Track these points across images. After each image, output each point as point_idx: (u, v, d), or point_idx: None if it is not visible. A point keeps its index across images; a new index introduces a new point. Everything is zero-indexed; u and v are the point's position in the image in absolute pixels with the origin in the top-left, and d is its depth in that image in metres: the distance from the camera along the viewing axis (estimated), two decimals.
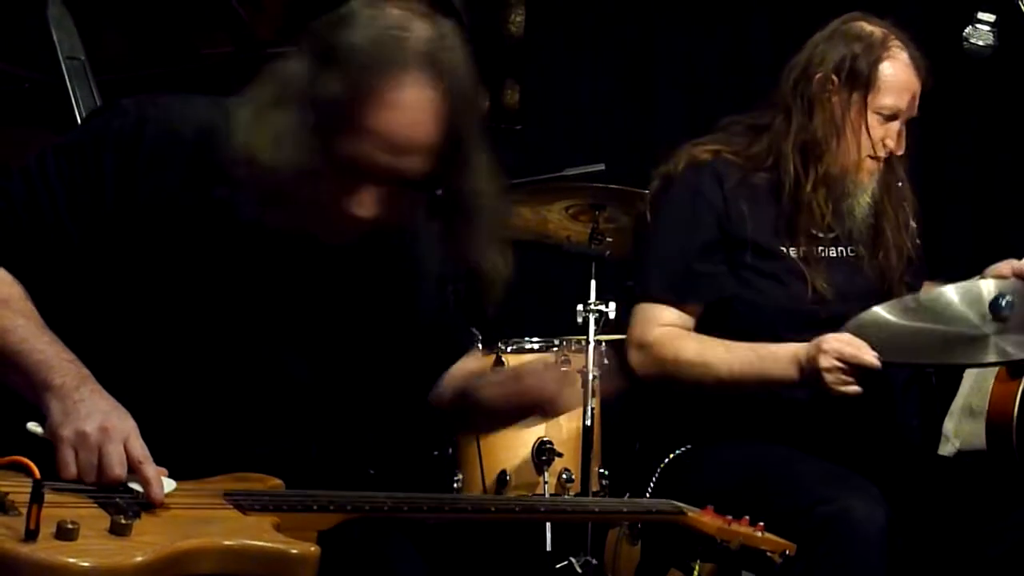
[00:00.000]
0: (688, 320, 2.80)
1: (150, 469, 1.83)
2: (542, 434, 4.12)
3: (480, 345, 4.15)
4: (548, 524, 4.02)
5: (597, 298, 4.08)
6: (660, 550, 2.89)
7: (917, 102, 2.88)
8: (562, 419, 4.14)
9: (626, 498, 3.39)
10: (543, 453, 4.08)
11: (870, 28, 2.88)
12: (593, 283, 4.11)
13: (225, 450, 1.99)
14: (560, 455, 4.09)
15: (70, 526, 1.66)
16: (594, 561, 3.94)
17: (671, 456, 2.81)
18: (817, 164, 2.84)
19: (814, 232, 2.84)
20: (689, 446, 2.81)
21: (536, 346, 4.21)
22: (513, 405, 2.16)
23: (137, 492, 1.83)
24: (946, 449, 3.23)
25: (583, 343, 4.07)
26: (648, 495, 2.81)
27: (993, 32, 2.88)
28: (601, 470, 4.15)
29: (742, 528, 2.30)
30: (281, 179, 1.89)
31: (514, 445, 4.13)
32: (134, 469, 1.83)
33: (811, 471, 2.60)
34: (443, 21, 1.97)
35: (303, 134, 1.88)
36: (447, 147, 1.92)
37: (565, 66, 5.40)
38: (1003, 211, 5.41)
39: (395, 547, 2.04)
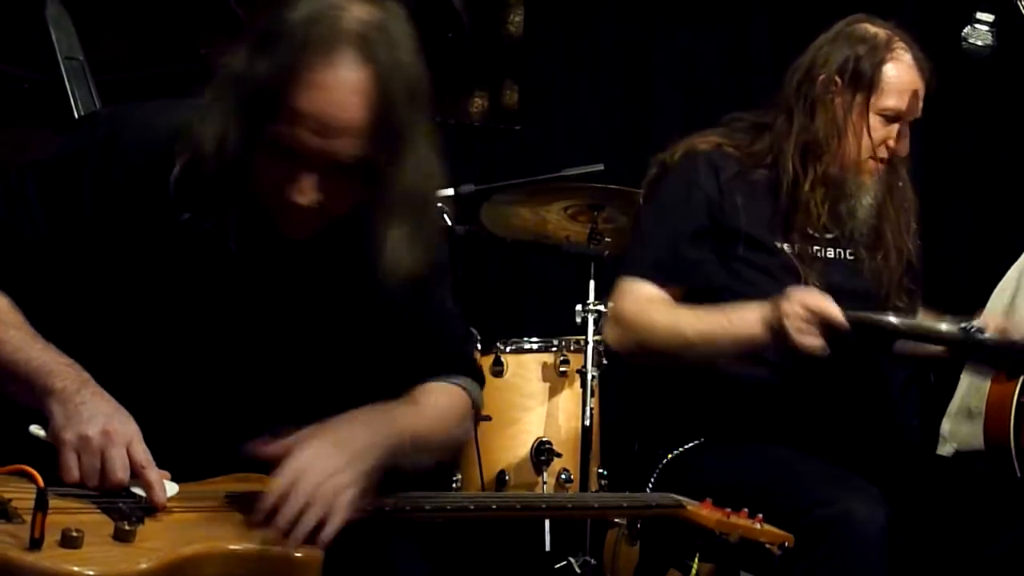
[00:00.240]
0: (667, 299, 2.78)
1: (153, 473, 1.83)
2: (541, 434, 4.13)
3: (479, 345, 4.16)
4: (547, 524, 4.02)
5: (596, 298, 4.09)
6: (659, 550, 2.89)
7: (921, 104, 2.87)
8: (561, 419, 4.15)
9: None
10: (542, 453, 4.09)
11: (874, 30, 2.88)
12: (592, 283, 4.12)
13: (214, 452, 1.97)
14: (559, 455, 4.10)
15: (74, 534, 1.66)
16: (593, 561, 3.95)
17: (670, 456, 2.80)
18: (816, 164, 2.84)
19: (810, 232, 2.84)
20: (688, 446, 2.81)
21: (535, 346, 4.21)
22: None
23: (140, 496, 1.83)
24: (944, 450, 3.23)
25: (582, 343, 4.08)
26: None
27: (992, 32, 2.87)
28: (600, 470, 4.15)
29: (741, 520, 2.29)
30: (225, 170, 1.89)
31: (513, 445, 4.14)
32: (137, 473, 1.83)
33: (811, 472, 2.59)
34: (389, 5, 1.95)
35: (239, 121, 1.87)
36: (380, 130, 1.89)
37: (564, 66, 5.40)
38: (1002, 211, 5.41)
39: (398, 548, 2.04)
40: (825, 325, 2.55)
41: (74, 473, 1.80)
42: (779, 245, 2.81)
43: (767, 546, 2.30)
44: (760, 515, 2.32)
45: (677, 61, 5.49)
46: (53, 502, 1.66)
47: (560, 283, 4.62)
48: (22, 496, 1.70)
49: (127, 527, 1.72)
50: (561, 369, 4.15)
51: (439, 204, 2.10)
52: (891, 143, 2.85)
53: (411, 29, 1.96)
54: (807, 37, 3.00)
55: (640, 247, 2.87)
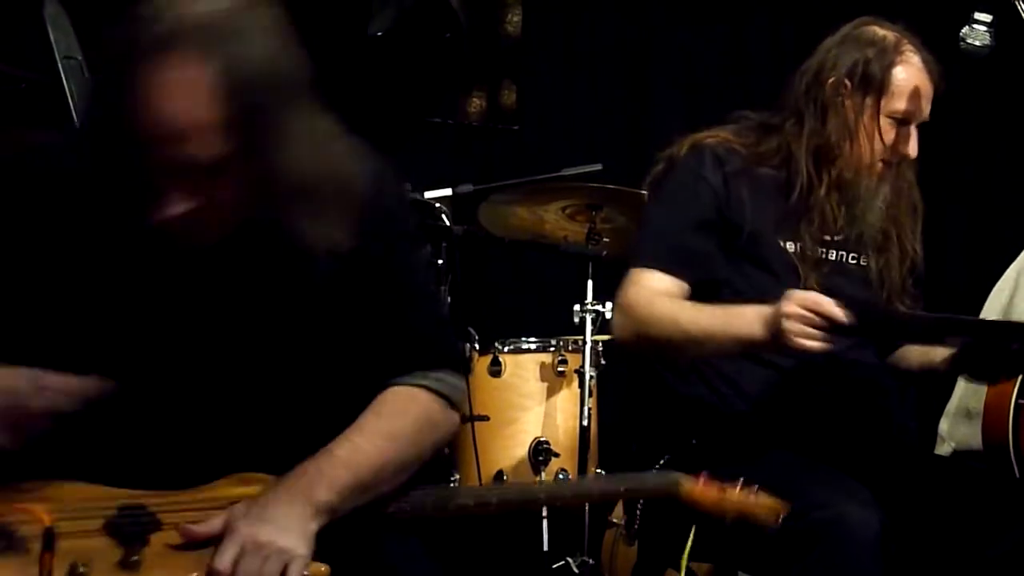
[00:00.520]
0: (677, 288, 2.77)
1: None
2: (539, 434, 4.13)
3: (477, 345, 4.16)
4: (545, 524, 4.02)
5: (594, 298, 4.09)
6: (657, 550, 2.89)
7: (929, 106, 2.87)
8: (559, 419, 4.15)
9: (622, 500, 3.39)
10: (540, 453, 4.09)
11: (882, 32, 2.87)
12: (590, 283, 4.12)
13: (186, 459, 1.94)
14: (557, 455, 4.10)
15: (81, 570, 1.68)
16: (591, 561, 3.95)
17: (667, 457, 2.80)
18: (830, 168, 2.83)
19: (819, 233, 2.83)
20: (684, 448, 2.81)
21: (533, 346, 4.21)
22: None
23: (141, 507, 1.83)
24: (942, 449, 3.24)
25: (580, 343, 4.08)
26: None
27: (990, 32, 2.87)
28: (597, 470, 4.15)
29: (736, 496, 2.26)
30: (103, 187, 1.83)
31: (511, 445, 4.14)
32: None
33: (805, 475, 2.59)
34: None
35: (105, 140, 1.82)
36: (237, 124, 1.79)
37: (562, 66, 5.40)
38: (1000, 211, 5.42)
39: (403, 547, 2.04)
40: (826, 324, 2.53)
41: None
42: (783, 244, 2.81)
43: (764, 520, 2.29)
44: (756, 485, 2.29)
45: (676, 61, 5.49)
46: (59, 525, 1.66)
47: (558, 283, 4.62)
48: (27, 521, 1.71)
49: (134, 557, 1.73)
50: (559, 369, 4.15)
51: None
52: (901, 146, 2.84)
53: (273, 13, 1.88)
54: (806, 37, 3.00)
55: (647, 238, 2.86)
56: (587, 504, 4.02)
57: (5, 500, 1.74)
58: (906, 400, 3.02)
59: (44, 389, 1.80)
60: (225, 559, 1.80)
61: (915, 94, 2.83)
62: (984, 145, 5.56)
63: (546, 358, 4.19)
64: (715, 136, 2.88)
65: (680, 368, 2.84)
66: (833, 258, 2.86)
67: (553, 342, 4.21)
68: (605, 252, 4.19)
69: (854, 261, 2.88)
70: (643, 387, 2.95)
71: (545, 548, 4.06)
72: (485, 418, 4.12)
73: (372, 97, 4.07)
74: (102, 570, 1.69)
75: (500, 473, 4.10)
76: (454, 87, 5.15)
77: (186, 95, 1.76)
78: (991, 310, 3.20)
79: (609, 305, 4.01)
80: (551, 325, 4.31)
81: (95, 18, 3.28)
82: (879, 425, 2.87)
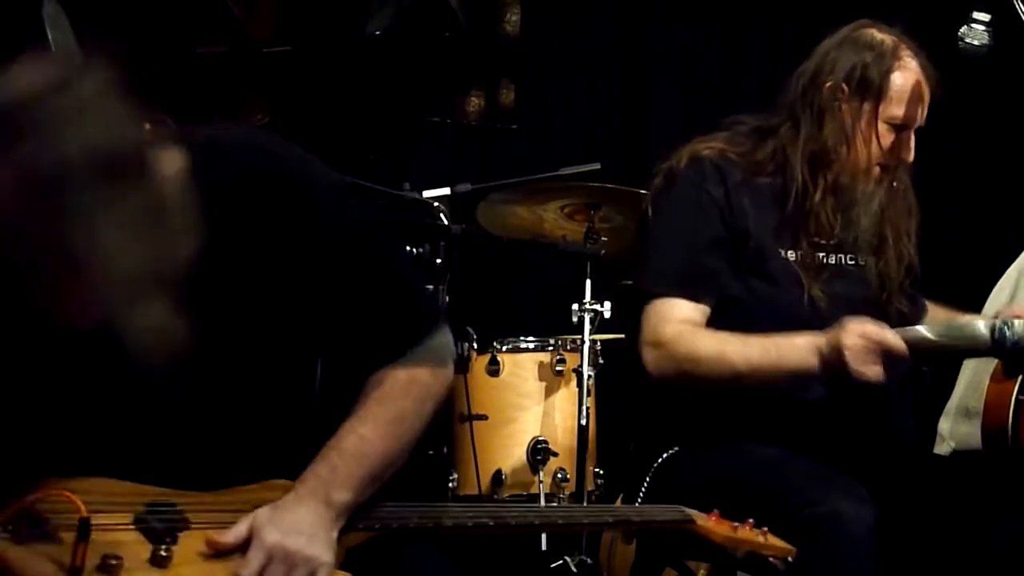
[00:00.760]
0: (703, 314, 2.75)
1: None
2: (537, 433, 4.13)
3: (475, 344, 4.16)
4: None
5: (592, 297, 4.09)
6: (655, 550, 2.89)
7: (927, 111, 2.86)
8: (557, 418, 4.16)
9: (620, 497, 3.39)
10: (538, 452, 4.09)
11: (880, 36, 2.85)
12: (588, 282, 4.11)
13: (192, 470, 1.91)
14: (555, 454, 4.10)
15: (112, 561, 1.69)
16: (589, 560, 3.95)
17: (665, 456, 2.80)
18: (826, 173, 2.82)
19: (816, 239, 2.82)
20: (682, 446, 2.81)
21: (531, 345, 4.22)
22: None
23: (171, 505, 1.83)
24: (942, 449, 3.23)
25: (578, 342, 4.08)
26: (642, 495, 2.81)
27: (988, 31, 2.87)
28: (596, 469, 4.16)
29: (747, 535, 2.30)
30: None
31: (509, 444, 4.14)
32: None
33: (800, 473, 2.59)
34: (71, 63, 1.72)
35: None
36: (44, 221, 1.62)
37: (561, 66, 5.40)
38: (999, 210, 5.42)
39: (418, 551, 2.04)
40: (886, 354, 2.55)
41: None
42: (783, 253, 2.80)
43: (771, 559, 2.31)
44: (765, 527, 2.32)
45: (674, 60, 5.49)
46: (91, 517, 1.68)
47: (557, 282, 4.62)
48: (59, 511, 1.70)
49: (163, 552, 1.74)
50: (557, 368, 4.15)
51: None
52: (898, 151, 2.84)
53: (99, 83, 1.70)
54: (805, 37, 3.00)
55: (659, 261, 2.81)
56: (585, 504, 4.03)
57: (40, 488, 1.74)
58: (904, 398, 3.02)
59: None
60: (253, 567, 1.83)
61: (912, 100, 2.81)
62: (983, 144, 5.56)
63: (544, 357, 4.19)
64: (712, 147, 2.86)
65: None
66: (832, 261, 2.85)
67: (551, 341, 4.21)
68: (603, 251, 4.19)
69: (852, 262, 2.87)
70: (641, 386, 2.95)
71: (543, 547, 4.06)
72: (484, 417, 4.12)
73: (370, 96, 4.07)
74: (133, 565, 1.70)
75: (499, 472, 4.11)
76: (453, 86, 5.15)
77: None
78: (992, 310, 3.20)
79: (608, 304, 4.01)
80: (549, 324, 4.31)
81: (94, 18, 3.28)
82: (877, 423, 2.88)
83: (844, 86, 2.82)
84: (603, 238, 4.24)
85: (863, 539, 2.43)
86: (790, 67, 2.96)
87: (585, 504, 4.00)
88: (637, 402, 2.99)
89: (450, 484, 4.12)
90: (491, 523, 2.14)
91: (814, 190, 2.81)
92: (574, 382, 4.08)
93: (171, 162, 1.84)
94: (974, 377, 3.11)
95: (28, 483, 1.74)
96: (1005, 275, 3.29)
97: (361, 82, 4.05)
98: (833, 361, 2.57)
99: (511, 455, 4.14)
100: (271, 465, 1.96)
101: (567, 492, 4.13)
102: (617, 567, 3.87)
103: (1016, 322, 2.63)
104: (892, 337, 2.55)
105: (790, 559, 2.31)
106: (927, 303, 3.05)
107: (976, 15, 2.87)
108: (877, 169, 2.85)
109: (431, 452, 4.07)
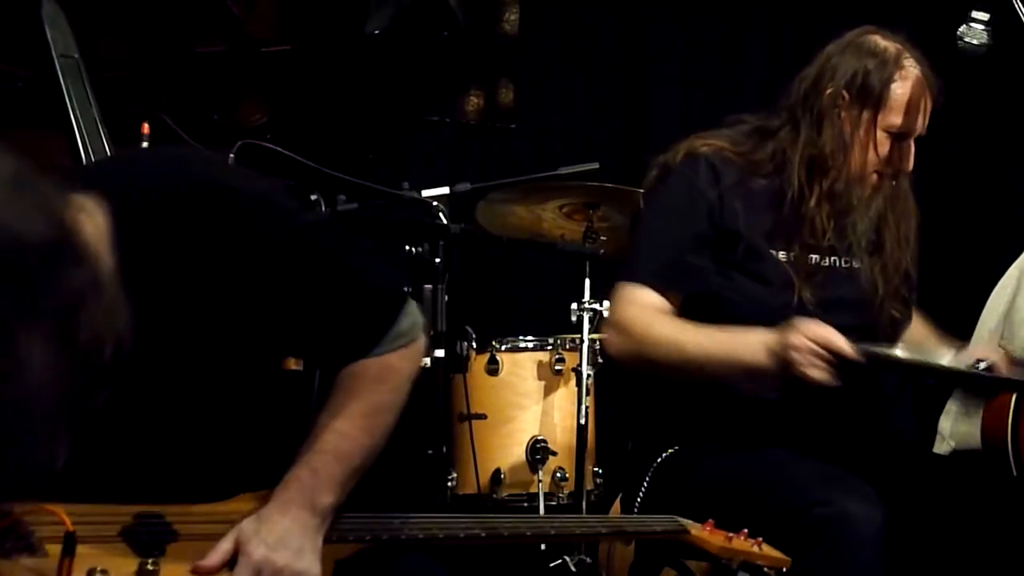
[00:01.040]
0: (668, 307, 2.76)
1: None
2: (536, 433, 4.14)
3: (474, 344, 4.16)
4: None
5: (591, 296, 4.10)
6: (654, 549, 2.88)
7: (928, 120, 2.85)
8: (556, 418, 4.16)
9: (619, 498, 3.39)
10: (537, 452, 4.10)
11: (884, 43, 2.84)
12: (587, 282, 4.12)
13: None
14: (554, 454, 4.11)
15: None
16: (588, 560, 3.95)
17: (664, 455, 2.80)
18: (823, 179, 2.81)
19: (810, 242, 2.82)
20: (682, 446, 2.80)
21: (530, 345, 4.22)
22: None
23: (158, 516, 1.82)
24: (941, 448, 3.23)
25: (577, 341, 4.08)
26: (641, 495, 2.81)
27: (987, 31, 2.87)
28: (595, 469, 4.16)
29: (742, 545, 2.31)
30: None
31: (508, 444, 4.15)
32: None
33: (807, 473, 2.59)
34: None
35: None
36: None
37: (559, 65, 5.40)
38: (999, 210, 5.42)
39: (411, 560, 2.04)
40: (835, 358, 2.55)
41: None
42: (775, 254, 2.79)
43: (765, 569, 2.32)
44: (760, 538, 2.32)
45: (673, 60, 5.49)
46: (76, 530, 1.66)
47: (555, 282, 4.63)
48: (44, 525, 1.69)
49: (150, 566, 1.73)
50: (556, 368, 4.15)
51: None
52: (896, 160, 2.83)
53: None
54: (805, 37, 3.01)
55: (642, 252, 2.84)
56: (584, 503, 4.04)
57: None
58: (902, 398, 3.02)
59: None
60: None
61: (913, 109, 2.80)
62: (983, 144, 5.56)
63: (543, 357, 4.19)
64: (710, 144, 2.86)
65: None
66: (826, 265, 2.84)
67: (550, 341, 4.21)
68: (602, 251, 4.20)
69: (846, 266, 2.87)
70: (640, 386, 2.95)
71: (542, 547, 4.06)
72: (483, 417, 4.12)
73: (369, 96, 4.07)
74: None
75: (498, 472, 4.11)
76: (452, 86, 5.15)
77: None
78: (993, 309, 3.20)
79: (607, 304, 4.01)
80: (548, 324, 4.31)
81: (93, 18, 3.28)
82: (876, 423, 2.87)
83: (844, 93, 2.81)
84: (602, 237, 4.24)
85: (871, 539, 2.42)
86: (789, 67, 2.96)
87: (583, 505, 4.00)
88: (636, 401, 2.99)
89: (449, 483, 4.12)
90: (483, 534, 2.13)
91: (810, 195, 2.80)
92: (573, 381, 4.08)
93: (94, 222, 1.74)
94: (970, 403, 3.12)
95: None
96: (1006, 275, 3.29)
97: (360, 81, 4.04)
98: (780, 359, 2.58)
99: (510, 454, 4.14)
100: (258, 473, 1.94)
101: (566, 491, 4.13)
102: (616, 567, 3.87)
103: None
104: (839, 339, 2.55)
105: (784, 570, 2.32)
106: (914, 313, 3.05)
107: (975, 14, 2.86)
108: (875, 177, 2.84)
109: (430, 452, 4.06)
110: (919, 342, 2.96)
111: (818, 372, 2.54)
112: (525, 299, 5.10)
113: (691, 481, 2.71)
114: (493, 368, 4.16)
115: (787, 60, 2.97)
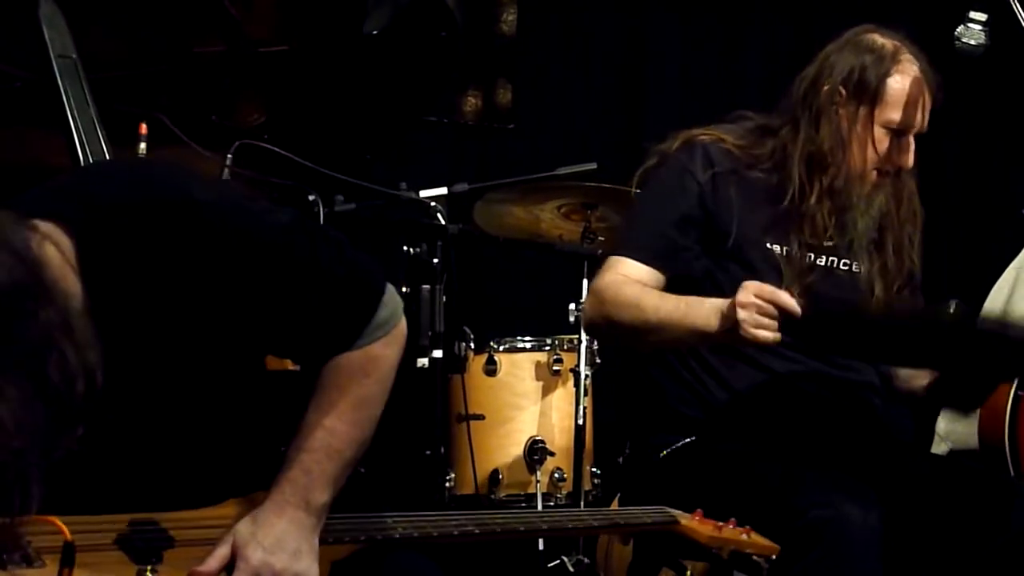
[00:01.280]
0: (651, 278, 2.76)
1: None
2: (534, 433, 4.14)
3: (472, 344, 4.16)
4: None
5: None
6: (652, 549, 2.88)
7: (927, 117, 2.85)
8: (554, 418, 4.16)
9: (618, 498, 3.39)
10: (535, 452, 4.10)
11: (882, 40, 2.84)
12: (585, 282, 4.12)
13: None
14: (552, 454, 4.11)
15: None
16: (586, 560, 3.95)
17: (662, 456, 2.80)
18: (822, 176, 2.81)
19: (809, 240, 2.81)
20: (680, 446, 2.80)
21: (528, 345, 4.22)
22: None
23: (153, 523, 1.81)
24: (939, 448, 3.24)
25: (575, 342, 4.08)
26: (640, 495, 2.81)
27: (985, 31, 2.87)
28: (593, 469, 4.16)
29: (731, 534, 2.31)
30: None
31: (506, 444, 4.14)
32: None
33: (804, 474, 2.58)
34: None
35: None
36: None
37: (557, 65, 5.40)
38: (998, 210, 5.42)
39: (406, 559, 2.02)
40: (783, 319, 2.53)
41: None
42: (769, 246, 2.80)
43: (754, 558, 2.32)
44: (748, 526, 2.32)
45: (671, 60, 5.49)
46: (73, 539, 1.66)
47: (553, 282, 4.63)
48: (42, 535, 1.68)
49: (148, 574, 1.73)
50: (554, 368, 4.15)
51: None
52: (896, 156, 2.82)
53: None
54: (804, 37, 3.01)
55: (628, 229, 2.90)
56: (582, 503, 4.04)
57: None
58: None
59: None
60: None
61: (910, 104, 2.80)
62: (981, 144, 5.56)
63: (541, 357, 4.19)
64: (710, 134, 2.88)
65: (674, 369, 2.84)
66: (823, 264, 2.84)
67: (548, 341, 4.21)
68: (600, 251, 4.19)
69: (845, 267, 2.86)
70: (638, 386, 2.95)
71: (540, 547, 4.06)
72: (480, 417, 4.12)
73: (367, 96, 4.07)
74: None
75: (495, 472, 4.11)
76: (449, 86, 5.15)
77: None
78: (991, 308, 3.20)
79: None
80: (546, 324, 4.31)
81: (91, 18, 3.28)
82: (873, 424, 2.87)
83: (841, 89, 2.81)
84: (600, 238, 4.24)
85: (869, 541, 2.42)
86: (789, 67, 2.96)
87: (581, 505, 4.00)
88: (634, 401, 2.99)
89: (447, 484, 4.12)
90: (477, 531, 2.12)
91: (810, 192, 2.81)
92: (571, 382, 4.08)
93: (58, 249, 1.72)
94: (960, 419, 3.12)
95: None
96: (1004, 274, 3.30)
97: (358, 82, 4.04)
98: (729, 321, 2.56)
99: (508, 455, 4.14)
100: (248, 475, 1.94)
101: (564, 492, 4.13)
102: (614, 567, 3.87)
103: None
104: (786, 298, 2.53)
105: (774, 557, 2.31)
106: None
107: (973, 15, 2.87)
108: (874, 174, 2.84)
109: (428, 452, 4.07)
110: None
111: (764, 332, 2.52)
112: (523, 299, 5.10)
113: (688, 482, 2.71)
114: (491, 369, 4.16)
115: (786, 60, 2.96)
